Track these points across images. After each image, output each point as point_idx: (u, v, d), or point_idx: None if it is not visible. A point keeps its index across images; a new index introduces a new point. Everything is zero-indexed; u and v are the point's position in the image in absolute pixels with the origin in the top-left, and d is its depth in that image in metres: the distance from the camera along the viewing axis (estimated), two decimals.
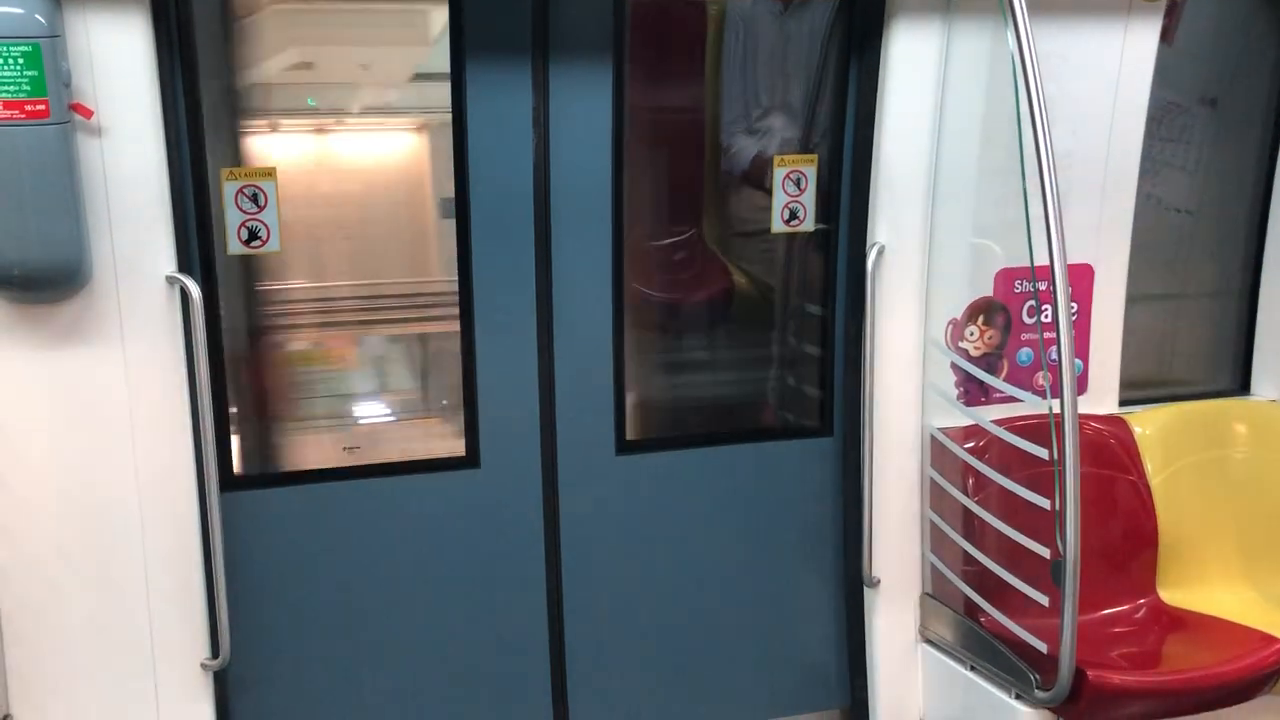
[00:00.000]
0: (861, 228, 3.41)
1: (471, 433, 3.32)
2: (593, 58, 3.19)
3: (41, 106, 2.55)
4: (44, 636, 2.92)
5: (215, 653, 3.06)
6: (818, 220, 3.50)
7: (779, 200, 3.46)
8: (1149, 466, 3.61)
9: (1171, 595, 3.57)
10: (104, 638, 2.96)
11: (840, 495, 3.64)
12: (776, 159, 3.44)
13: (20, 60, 2.50)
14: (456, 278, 3.22)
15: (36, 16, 2.51)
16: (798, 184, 3.46)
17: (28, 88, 2.52)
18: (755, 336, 3.86)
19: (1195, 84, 3.90)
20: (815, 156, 3.47)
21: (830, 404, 3.62)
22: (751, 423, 3.85)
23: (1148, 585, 3.57)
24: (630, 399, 3.47)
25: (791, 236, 3.59)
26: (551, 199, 3.24)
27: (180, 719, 3.06)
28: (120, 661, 2.99)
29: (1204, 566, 3.61)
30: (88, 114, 2.68)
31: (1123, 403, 3.71)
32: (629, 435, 3.47)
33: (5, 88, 2.51)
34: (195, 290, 2.85)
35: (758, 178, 3.58)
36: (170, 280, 2.86)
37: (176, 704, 3.05)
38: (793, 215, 3.48)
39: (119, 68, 2.70)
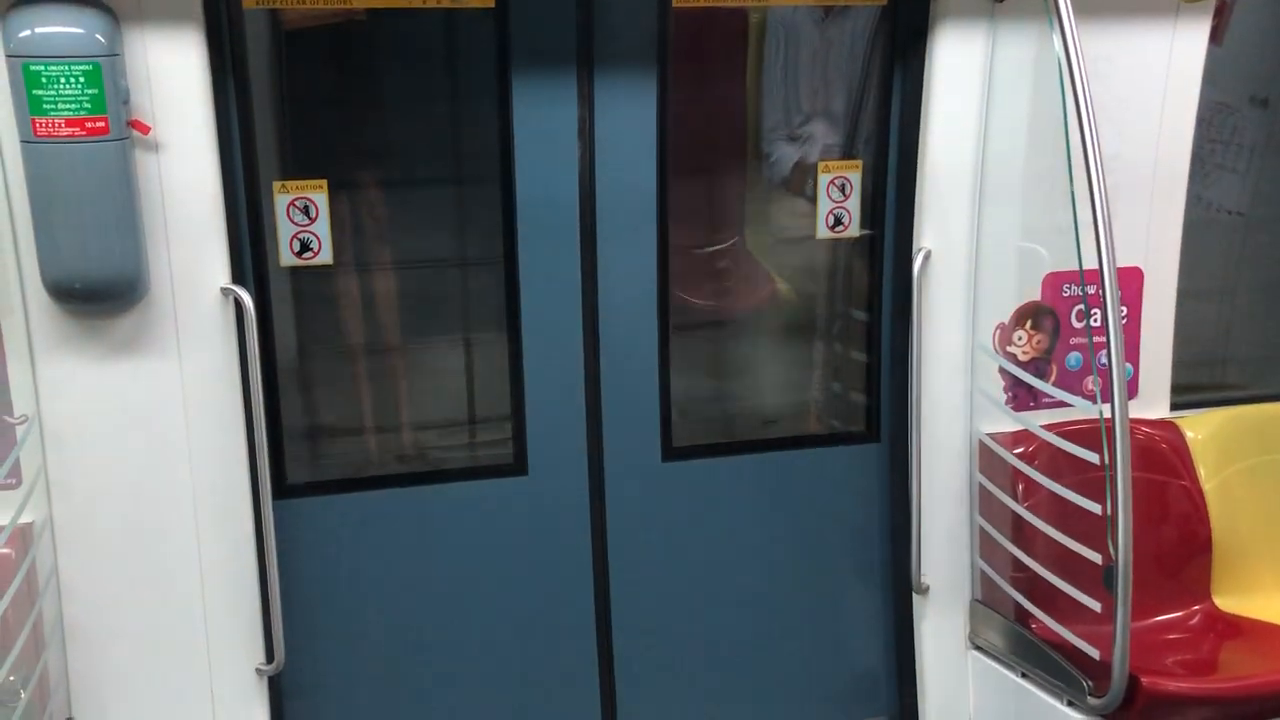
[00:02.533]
0: (907, 233, 3.40)
1: (519, 440, 3.35)
2: (637, 68, 3.21)
3: (101, 123, 2.61)
4: (104, 641, 2.98)
5: (270, 658, 3.10)
6: (863, 226, 3.50)
7: (824, 206, 3.46)
8: (1202, 471, 3.56)
9: (1227, 602, 3.51)
10: (162, 642, 3.02)
11: (887, 501, 3.62)
12: (821, 165, 3.44)
13: (81, 79, 2.57)
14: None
15: (97, 36, 2.58)
16: (842, 189, 3.46)
17: (88, 105, 2.59)
18: (799, 343, 3.85)
19: (1245, 84, 3.85)
20: (860, 162, 3.46)
21: (877, 410, 3.60)
22: (798, 429, 3.84)
23: (1202, 592, 3.52)
24: (675, 406, 3.48)
25: (836, 243, 3.59)
26: (597, 209, 3.26)
27: None
28: (178, 665, 3.04)
29: (1259, 573, 3.55)
30: (145, 130, 2.74)
31: (1174, 407, 3.66)
32: (675, 442, 3.48)
33: (67, 106, 2.57)
34: (249, 301, 2.90)
35: (799, 185, 3.58)
36: (225, 292, 2.91)
37: (232, 708, 3.10)
38: (837, 221, 3.48)
39: (175, 84, 2.76)
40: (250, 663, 3.11)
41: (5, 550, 2.73)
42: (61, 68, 2.55)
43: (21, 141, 2.61)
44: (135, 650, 3.00)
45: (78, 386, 2.85)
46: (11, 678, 2.62)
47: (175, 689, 3.05)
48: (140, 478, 2.94)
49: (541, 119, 3.17)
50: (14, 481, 2.81)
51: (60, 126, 2.58)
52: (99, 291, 2.75)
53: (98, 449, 2.90)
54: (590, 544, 3.46)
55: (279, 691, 3.21)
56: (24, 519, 2.81)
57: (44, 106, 2.57)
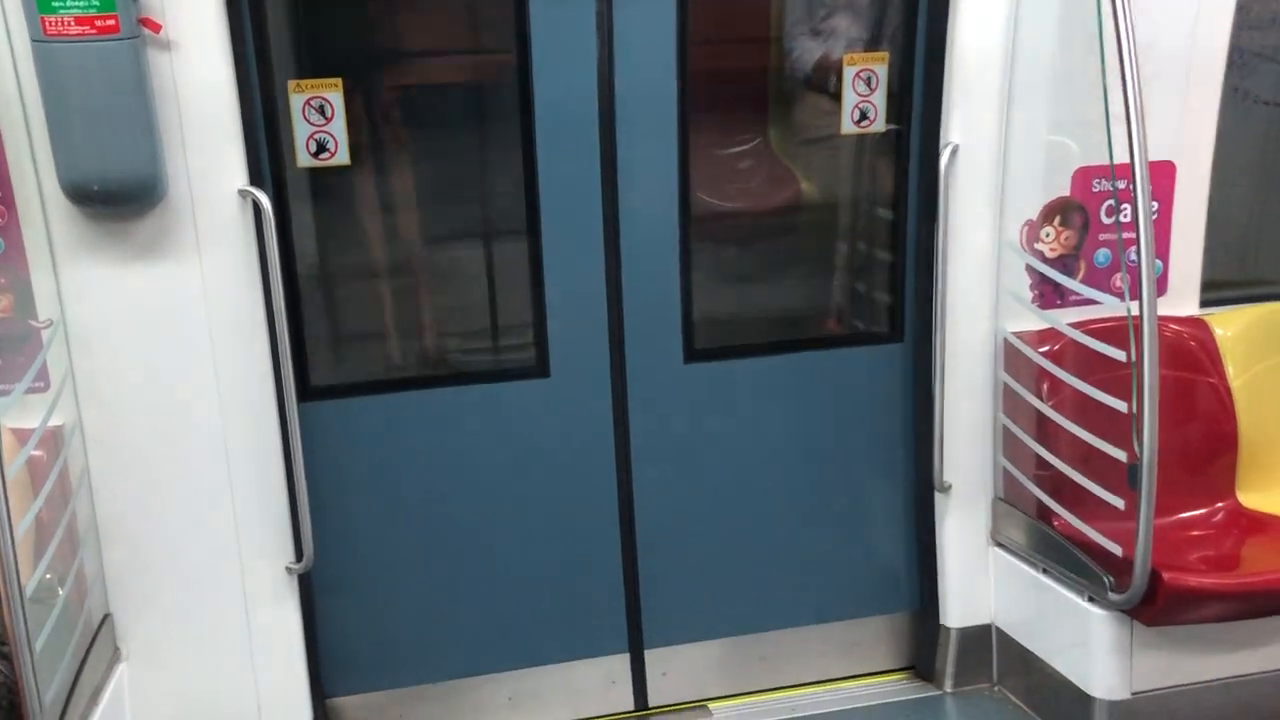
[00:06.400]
0: (934, 127, 3.33)
1: (541, 343, 3.35)
2: None
3: (111, 22, 2.57)
4: (138, 541, 3.04)
5: (299, 556, 3.16)
6: (889, 120, 3.43)
7: (849, 100, 3.39)
8: (1230, 369, 3.52)
9: (1251, 499, 3.50)
10: (193, 542, 3.08)
11: (911, 401, 3.61)
12: (846, 57, 3.36)
13: None
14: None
15: None
16: (868, 83, 3.38)
17: (97, 3, 2.54)
18: (823, 243, 3.81)
19: None
20: (886, 54, 3.38)
21: (901, 309, 3.57)
22: (820, 330, 3.82)
23: (1227, 489, 3.51)
24: (697, 308, 3.47)
25: (861, 139, 3.52)
26: (616, 106, 3.21)
27: (268, 619, 3.18)
28: (210, 564, 3.10)
29: None
30: (156, 28, 2.69)
31: (1204, 304, 3.62)
32: (698, 344, 3.47)
33: (76, 4, 2.53)
34: (267, 203, 2.89)
35: (822, 81, 3.51)
36: (242, 194, 2.90)
37: (264, 605, 3.17)
38: (863, 116, 3.41)
39: None
40: (280, 561, 3.17)
41: (37, 452, 2.77)
42: None
43: (32, 41, 2.58)
44: (168, 550, 3.06)
45: (100, 290, 2.86)
46: (49, 575, 2.68)
47: (208, 587, 3.12)
48: (165, 380, 2.96)
49: (558, 14, 3.10)
50: (42, 385, 2.83)
51: (70, 25, 2.55)
52: (117, 193, 2.74)
53: (123, 352, 2.92)
54: (613, 446, 3.48)
55: (309, 588, 3.27)
56: (54, 421, 2.84)
57: (53, 4, 2.53)
